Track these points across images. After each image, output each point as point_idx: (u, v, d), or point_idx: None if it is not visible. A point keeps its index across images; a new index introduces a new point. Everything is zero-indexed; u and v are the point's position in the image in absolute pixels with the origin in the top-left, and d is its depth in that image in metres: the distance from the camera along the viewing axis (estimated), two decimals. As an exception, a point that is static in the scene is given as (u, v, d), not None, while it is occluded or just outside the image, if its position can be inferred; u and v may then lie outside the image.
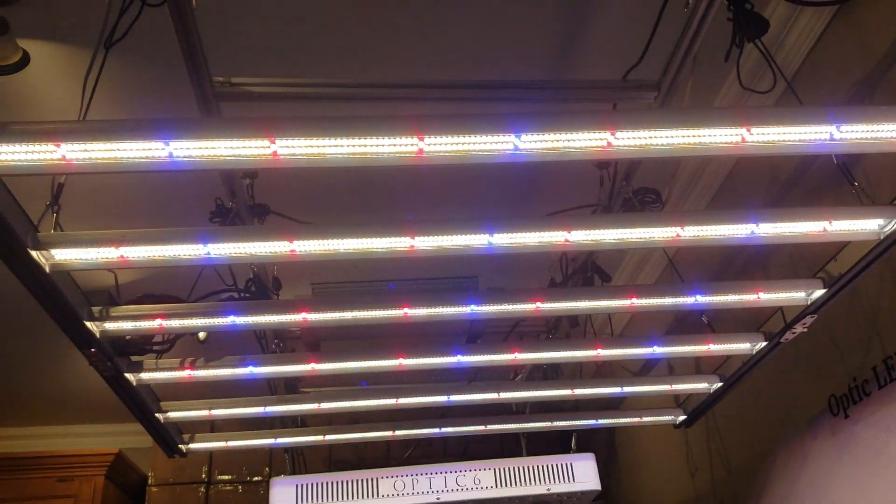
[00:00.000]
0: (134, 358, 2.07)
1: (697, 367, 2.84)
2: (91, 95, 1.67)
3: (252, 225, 2.31)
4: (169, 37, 1.83)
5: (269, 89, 2.26)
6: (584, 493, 2.96)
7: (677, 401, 2.89)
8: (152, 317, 1.79)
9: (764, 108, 1.92)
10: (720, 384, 2.55)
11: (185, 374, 2.14)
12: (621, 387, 2.53)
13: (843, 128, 1.36)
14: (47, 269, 1.55)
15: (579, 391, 2.54)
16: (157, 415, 2.37)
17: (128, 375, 2.08)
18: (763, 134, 1.36)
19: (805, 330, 2.16)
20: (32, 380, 4.61)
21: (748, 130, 1.34)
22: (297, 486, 2.91)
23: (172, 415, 2.41)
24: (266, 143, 1.28)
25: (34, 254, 1.49)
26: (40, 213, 1.56)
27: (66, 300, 1.66)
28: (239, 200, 2.27)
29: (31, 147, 1.23)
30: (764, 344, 2.25)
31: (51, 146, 1.23)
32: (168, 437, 2.52)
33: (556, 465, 2.97)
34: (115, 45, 1.75)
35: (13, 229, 1.40)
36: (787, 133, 1.36)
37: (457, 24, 2.43)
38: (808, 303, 2.01)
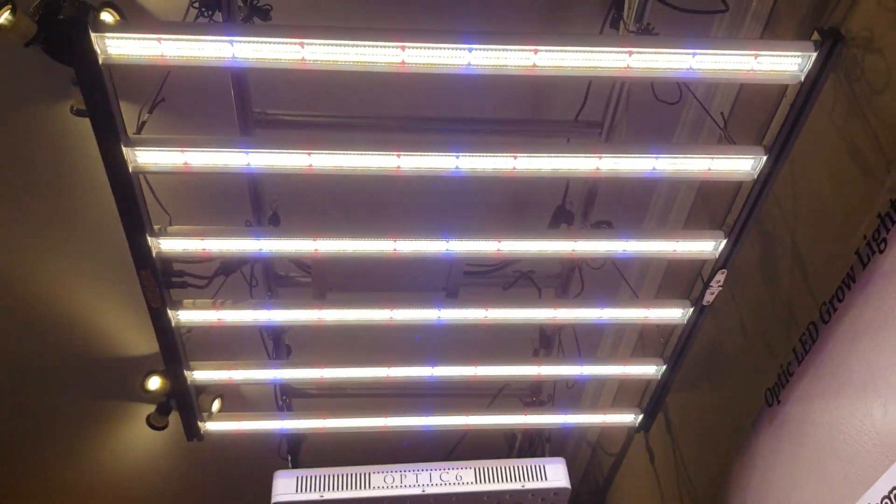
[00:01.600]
0: (174, 295, 2.56)
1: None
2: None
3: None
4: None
5: (294, 118, 2.92)
6: (555, 492, 3.27)
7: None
8: (201, 235, 2.31)
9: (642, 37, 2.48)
10: (665, 366, 2.97)
11: (216, 316, 2.61)
12: (581, 365, 2.96)
13: (698, 57, 1.97)
14: (131, 169, 2.11)
15: (547, 369, 2.97)
16: (185, 371, 2.81)
17: (169, 312, 2.56)
18: (642, 60, 1.97)
19: (720, 288, 2.63)
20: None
21: (629, 54, 1.95)
22: (297, 477, 3.24)
23: (198, 375, 2.85)
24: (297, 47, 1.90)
25: (125, 150, 2.07)
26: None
27: (138, 207, 2.21)
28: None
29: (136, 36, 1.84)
30: (692, 309, 2.71)
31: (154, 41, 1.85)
32: (191, 404, 2.93)
33: (531, 466, 3.30)
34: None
35: (115, 124, 1.99)
36: (655, 59, 1.96)
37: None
38: (717, 255, 2.52)
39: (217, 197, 3.34)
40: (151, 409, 4.57)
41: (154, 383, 4.35)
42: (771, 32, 2.95)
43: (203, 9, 2.45)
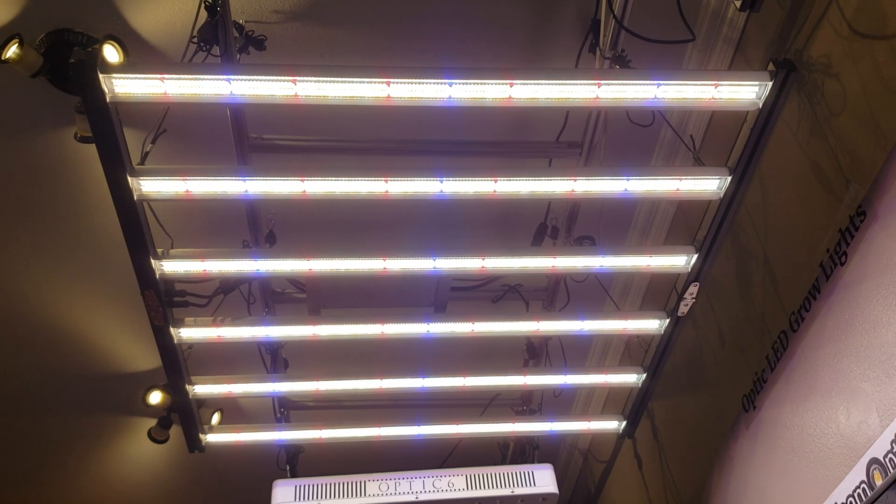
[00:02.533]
0: (175, 314, 2.70)
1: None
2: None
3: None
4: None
5: (288, 143, 3.07)
6: (544, 497, 3.40)
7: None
8: (201, 257, 2.46)
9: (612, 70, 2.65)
10: (645, 375, 3.11)
11: (216, 333, 2.75)
12: (566, 374, 3.10)
13: (662, 87, 2.13)
14: (136, 198, 2.26)
15: (532, 379, 3.12)
16: (187, 386, 2.95)
17: (172, 330, 2.71)
18: (610, 91, 2.12)
19: (694, 300, 2.78)
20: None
21: (598, 86, 2.10)
22: (296, 486, 3.38)
23: (199, 389, 2.99)
24: (290, 84, 2.05)
25: (130, 180, 2.21)
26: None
27: (143, 232, 2.35)
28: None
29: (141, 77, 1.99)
30: (668, 320, 2.86)
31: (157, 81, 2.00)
32: (193, 417, 3.07)
33: (519, 473, 3.44)
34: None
35: (122, 156, 2.14)
36: (623, 90, 2.12)
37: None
38: (689, 269, 2.67)
39: (215, 217, 3.49)
40: (152, 422, 4.69)
41: (155, 398, 4.47)
42: (741, 56, 3.12)
43: (202, 43, 2.60)
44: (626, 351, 4.48)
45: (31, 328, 4.19)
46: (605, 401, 4.91)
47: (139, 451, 5.25)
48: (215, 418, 4.76)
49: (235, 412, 4.88)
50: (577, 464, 5.53)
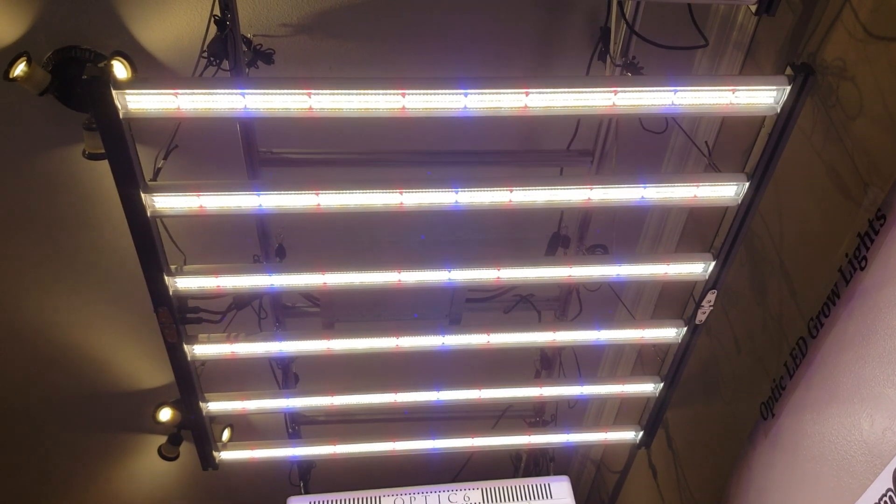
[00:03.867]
0: (188, 330, 2.68)
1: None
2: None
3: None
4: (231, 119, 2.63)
5: (298, 156, 3.05)
6: (561, 510, 3.37)
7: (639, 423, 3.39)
8: (215, 273, 2.44)
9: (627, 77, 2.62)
10: (662, 384, 3.08)
11: (229, 349, 2.73)
12: (581, 385, 3.07)
13: (679, 93, 2.11)
14: (149, 214, 2.24)
15: (548, 391, 3.08)
16: (200, 403, 2.92)
17: (186, 347, 2.68)
18: (627, 98, 2.11)
19: (712, 307, 2.75)
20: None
21: (615, 93, 2.08)
22: (310, 502, 3.35)
23: (213, 406, 2.96)
24: (304, 97, 2.03)
25: (144, 196, 2.19)
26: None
27: (156, 248, 2.33)
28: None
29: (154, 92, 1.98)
30: (685, 328, 2.83)
31: (170, 96, 1.98)
32: (206, 434, 3.04)
33: (536, 485, 3.40)
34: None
35: (135, 172, 2.12)
36: (640, 97, 2.10)
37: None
38: (707, 277, 2.64)
39: (225, 232, 3.47)
40: (162, 440, 4.66)
41: (165, 415, 4.45)
42: (752, 60, 3.10)
43: (211, 58, 2.59)
44: (639, 360, 4.44)
45: (41, 345, 4.18)
46: (618, 410, 4.87)
47: (149, 469, 5.22)
48: (225, 435, 4.72)
49: (246, 428, 4.85)
50: (590, 474, 5.48)
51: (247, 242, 3.13)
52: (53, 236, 3.66)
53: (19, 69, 2.87)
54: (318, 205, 2.28)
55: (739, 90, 2.13)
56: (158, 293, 2.46)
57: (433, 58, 3.18)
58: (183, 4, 2.93)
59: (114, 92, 1.95)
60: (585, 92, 2.09)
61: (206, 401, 2.94)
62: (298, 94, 2.02)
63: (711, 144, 3.27)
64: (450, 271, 2.52)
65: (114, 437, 5.04)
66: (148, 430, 4.89)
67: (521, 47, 3.21)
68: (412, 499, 3.36)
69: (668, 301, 3.92)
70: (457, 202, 2.30)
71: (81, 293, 3.97)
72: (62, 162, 3.32)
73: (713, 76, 2.89)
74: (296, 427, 3.74)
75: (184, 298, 2.56)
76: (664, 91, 2.10)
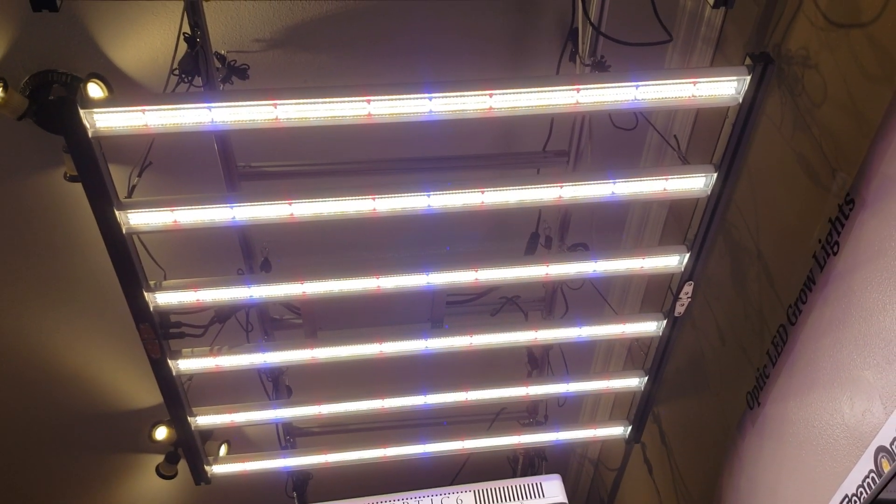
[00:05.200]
0: (173, 345, 2.70)
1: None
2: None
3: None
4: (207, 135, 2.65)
5: (276, 169, 3.08)
6: (554, 508, 3.38)
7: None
8: (195, 287, 2.46)
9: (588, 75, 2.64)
10: (647, 378, 3.10)
11: (213, 363, 2.75)
12: (567, 382, 3.09)
13: (641, 88, 2.13)
14: (124, 231, 2.26)
15: (533, 390, 3.10)
16: (189, 418, 2.94)
17: (170, 362, 2.70)
18: (590, 96, 2.13)
19: (690, 299, 2.77)
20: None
21: (577, 90, 2.11)
22: (304, 513, 3.36)
23: (201, 420, 2.97)
24: (270, 108, 2.06)
25: (118, 213, 2.22)
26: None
27: (133, 265, 2.35)
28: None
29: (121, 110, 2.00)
30: (665, 321, 2.85)
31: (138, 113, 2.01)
32: (196, 449, 3.05)
33: (528, 485, 3.42)
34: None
35: (107, 190, 2.15)
36: (602, 93, 2.12)
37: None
38: (682, 269, 2.66)
39: (209, 247, 3.50)
40: (160, 459, 4.67)
41: (161, 433, 4.46)
42: (721, 54, 3.14)
43: (183, 74, 2.61)
44: (629, 356, 4.46)
45: (33, 369, 4.19)
46: (612, 408, 4.89)
47: (148, 488, 5.22)
48: (223, 450, 4.73)
49: (243, 444, 4.86)
50: (589, 473, 5.49)
51: (232, 258, 3.15)
52: (41, 261, 3.68)
53: (-4, 95, 2.90)
54: (292, 214, 2.31)
55: (700, 82, 2.16)
56: (139, 309, 2.48)
57: (407, 62, 3.21)
58: (156, 24, 2.96)
59: (81, 111, 1.97)
60: (549, 91, 2.12)
61: (194, 415, 2.95)
62: (264, 104, 2.04)
63: (686, 139, 3.30)
64: (427, 275, 2.54)
65: (110, 458, 5.04)
66: (145, 449, 4.90)
67: (495, 53, 3.24)
68: (405, 503, 3.38)
69: (654, 296, 3.95)
70: (430, 206, 2.33)
71: (72, 315, 3.99)
72: (44, 186, 3.34)
73: (673, 70, 2.93)
74: (290, 440, 3.75)
75: (165, 314, 2.58)
76: (626, 86, 2.13)
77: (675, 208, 3.67)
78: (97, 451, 4.95)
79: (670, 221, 3.76)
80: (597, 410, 5.00)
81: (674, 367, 3.16)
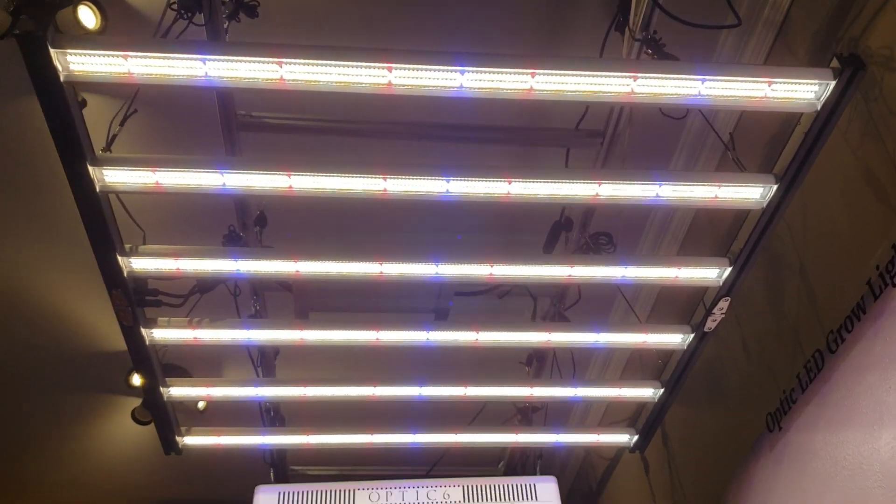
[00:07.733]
0: (148, 314, 2.43)
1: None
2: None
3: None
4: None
5: (280, 122, 2.77)
6: (546, 512, 3.17)
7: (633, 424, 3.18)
8: (175, 255, 2.18)
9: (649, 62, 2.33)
10: (663, 390, 2.85)
11: (192, 335, 2.49)
12: (574, 387, 2.84)
13: (708, 83, 1.83)
14: (98, 189, 1.98)
15: (538, 391, 2.86)
16: (161, 388, 2.69)
17: (143, 331, 2.44)
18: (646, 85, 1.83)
19: (723, 315, 2.51)
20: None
21: (634, 79, 1.81)
22: (279, 493, 3.14)
23: (174, 391, 2.73)
24: (275, 66, 1.75)
25: (91, 170, 1.93)
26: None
27: (107, 226, 2.07)
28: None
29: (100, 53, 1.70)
30: (692, 335, 2.58)
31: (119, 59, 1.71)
32: (168, 420, 2.82)
33: (521, 485, 3.20)
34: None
35: (80, 143, 1.85)
36: (662, 84, 1.82)
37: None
38: (721, 283, 2.39)
39: (200, 200, 3.20)
40: (137, 402, 4.49)
41: (138, 379, 4.22)
42: (782, 42, 2.81)
43: (182, 10, 2.29)
44: (638, 359, 4.20)
45: (11, 306, 3.95)
46: (606, 407, 4.64)
47: (124, 431, 5.04)
48: (200, 405, 4.52)
49: (225, 403, 4.64)
50: (579, 457, 5.29)
51: (227, 211, 2.86)
52: (24, 195, 3.40)
53: (-27, 11, 2.58)
54: (291, 186, 2.02)
55: (777, 83, 1.86)
56: (111, 274, 2.21)
57: (427, 27, 2.86)
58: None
59: (52, 51, 1.67)
60: (601, 76, 1.81)
61: (167, 386, 2.71)
62: (268, 62, 1.74)
63: (731, 133, 2.99)
64: (437, 265, 2.27)
65: (87, 398, 4.84)
66: (123, 392, 4.70)
67: (529, 17, 2.89)
68: (388, 494, 3.16)
69: (670, 299, 3.65)
70: (448, 191, 2.04)
71: (53, 252, 3.73)
72: (30, 114, 3.02)
73: (748, 66, 2.58)
74: (272, 413, 3.50)
75: (142, 279, 2.31)
76: (691, 80, 1.83)
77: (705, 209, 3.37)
78: (72, 390, 4.76)
79: (699, 216, 3.45)
80: (589, 409, 4.74)
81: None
